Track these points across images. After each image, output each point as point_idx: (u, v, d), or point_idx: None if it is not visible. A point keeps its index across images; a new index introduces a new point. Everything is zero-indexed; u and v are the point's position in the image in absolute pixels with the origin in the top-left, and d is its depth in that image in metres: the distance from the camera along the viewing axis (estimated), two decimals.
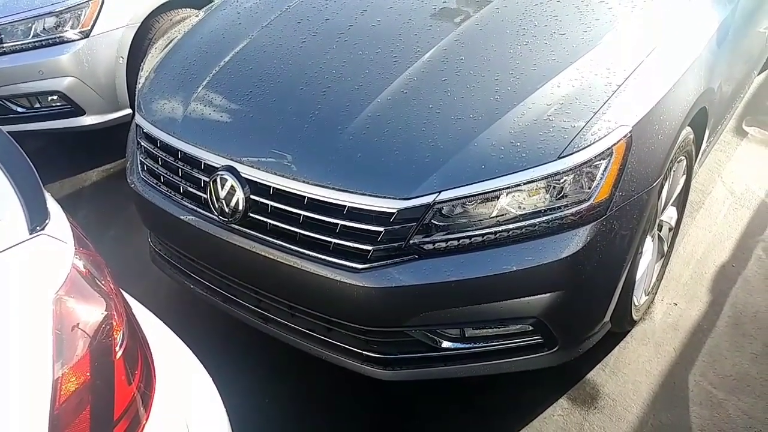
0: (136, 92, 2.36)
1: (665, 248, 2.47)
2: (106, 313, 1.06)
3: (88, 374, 0.99)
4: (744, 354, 2.27)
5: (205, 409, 1.35)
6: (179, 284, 2.29)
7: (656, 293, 2.49)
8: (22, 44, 3.26)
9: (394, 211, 1.70)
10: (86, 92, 3.39)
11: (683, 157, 2.26)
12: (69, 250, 1.07)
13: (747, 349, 2.29)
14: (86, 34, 3.32)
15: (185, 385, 1.34)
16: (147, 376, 1.17)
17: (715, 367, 2.22)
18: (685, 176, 2.40)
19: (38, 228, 1.04)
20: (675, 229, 2.52)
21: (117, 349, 1.06)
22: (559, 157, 1.70)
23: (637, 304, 2.23)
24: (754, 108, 3.83)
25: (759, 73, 3.86)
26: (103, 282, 1.12)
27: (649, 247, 2.23)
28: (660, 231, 2.37)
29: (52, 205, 1.13)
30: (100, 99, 3.45)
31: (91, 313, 1.04)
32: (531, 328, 1.86)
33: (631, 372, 2.21)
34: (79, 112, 3.45)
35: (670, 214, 2.42)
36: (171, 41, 2.54)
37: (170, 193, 2.07)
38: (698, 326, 2.38)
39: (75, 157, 3.68)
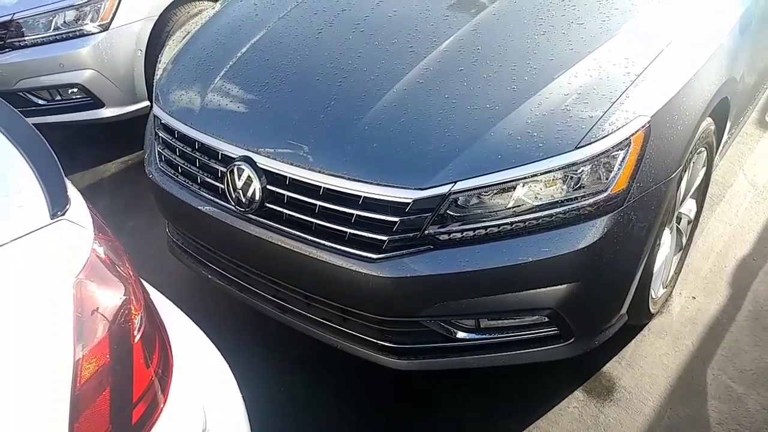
0: (154, 84, 2.38)
1: (684, 241, 2.44)
2: (124, 297, 1.08)
3: (107, 357, 1.01)
4: (764, 348, 2.24)
5: (221, 395, 1.36)
6: (197, 274, 2.31)
7: (674, 286, 2.46)
8: (43, 37, 3.31)
9: (410, 201, 1.70)
10: (105, 85, 3.43)
11: (703, 149, 2.23)
12: (89, 235, 1.09)
13: (767, 343, 2.26)
14: (105, 27, 3.36)
15: (202, 371, 1.35)
16: (165, 361, 1.18)
17: (734, 361, 2.20)
18: (705, 168, 2.37)
19: (59, 213, 1.06)
20: (694, 222, 2.49)
21: (135, 333, 1.08)
22: (577, 148, 1.68)
23: (654, 296, 2.21)
24: None
25: None
26: (121, 267, 1.13)
27: (667, 239, 2.21)
28: (679, 223, 2.35)
29: (72, 192, 1.15)
30: (119, 91, 3.49)
31: (110, 297, 1.06)
32: (547, 319, 1.85)
33: (647, 365, 2.20)
34: (99, 104, 3.49)
35: (689, 207, 2.40)
36: (188, 33, 2.55)
37: (188, 183, 2.09)
38: (717, 320, 2.36)
39: (95, 149, 3.72)
